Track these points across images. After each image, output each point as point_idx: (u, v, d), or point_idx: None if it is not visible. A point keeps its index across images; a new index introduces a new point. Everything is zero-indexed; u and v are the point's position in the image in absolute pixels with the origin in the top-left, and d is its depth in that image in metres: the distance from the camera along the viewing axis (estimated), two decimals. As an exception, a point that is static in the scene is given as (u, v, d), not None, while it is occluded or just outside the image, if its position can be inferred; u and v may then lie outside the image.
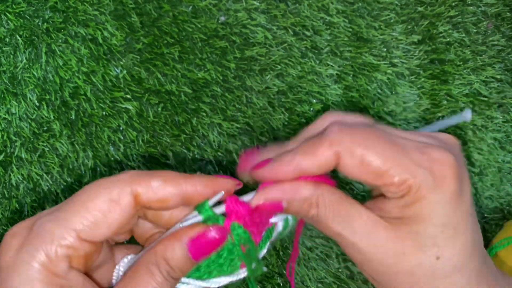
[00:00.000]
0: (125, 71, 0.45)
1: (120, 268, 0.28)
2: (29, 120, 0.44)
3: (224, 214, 0.27)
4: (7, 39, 0.44)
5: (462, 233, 0.26)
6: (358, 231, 0.26)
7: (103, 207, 0.25)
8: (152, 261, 0.25)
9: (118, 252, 0.30)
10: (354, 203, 0.27)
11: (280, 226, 0.30)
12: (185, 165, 0.45)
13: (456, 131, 0.47)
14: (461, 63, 0.48)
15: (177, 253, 0.25)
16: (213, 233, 0.26)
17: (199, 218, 0.27)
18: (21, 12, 0.45)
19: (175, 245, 0.26)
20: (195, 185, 0.26)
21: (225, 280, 0.28)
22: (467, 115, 0.33)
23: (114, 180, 0.26)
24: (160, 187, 0.26)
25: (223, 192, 0.27)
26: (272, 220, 0.29)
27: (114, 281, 0.28)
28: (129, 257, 0.28)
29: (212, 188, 0.27)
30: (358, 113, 0.29)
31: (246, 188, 0.28)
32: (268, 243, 0.29)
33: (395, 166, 0.24)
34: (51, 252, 0.24)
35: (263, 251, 0.29)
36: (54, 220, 0.24)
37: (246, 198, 0.27)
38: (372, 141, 0.25)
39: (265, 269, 0.30)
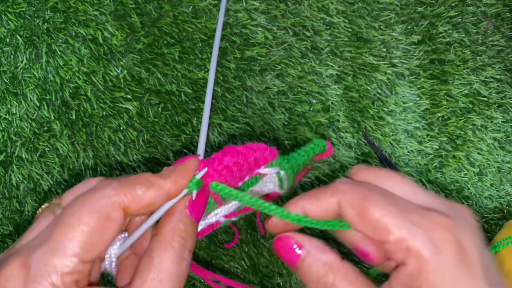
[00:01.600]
0: (125, 71, 0.45)
1: (112, 254, 0.28)
2: (30, 120, 0.44)
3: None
4: (8, 39, 0.44)
5: None
6: None
7: (97, 227, 0.25)
8: (166, 242, 0.26)
9: None
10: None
11: (272, 178, 0.34)
12: (185, 165, 0.45)
13: (456, 131, 0.47)
14: (461, 63, 0.48)
15: (185, 224, 0.27)
16: (203, 193, 0.29)
17: (194, 192, 0.29)
18: (22, 12, 0.45)
19: (181, 218, 0.27)
20: (175, 181, 0.27)
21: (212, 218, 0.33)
22: None
23: (100, 197, 0.26)
24: (145, 194, 0.26)
25: (206, 168, 0.29)
26: (260, 170, 0.33)
27: (107, 266, 0.28)
28: (118, 243, 0.28)
29: (188, 176, 0.28)
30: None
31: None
32: (251, 188, 0.34)
33: (394, 223, 0.24)
34: (58, 283, 0.23)
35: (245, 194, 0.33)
36: (50, 251, 0.24)
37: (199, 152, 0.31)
38: (374, 196, 0.26)
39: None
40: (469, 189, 0.47)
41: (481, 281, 0.24)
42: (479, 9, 0.49)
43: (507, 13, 0.49)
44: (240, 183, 0.33)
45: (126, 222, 0.27)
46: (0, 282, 0.24)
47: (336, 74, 0.47)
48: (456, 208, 0.27)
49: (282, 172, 0.34)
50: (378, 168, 0.30)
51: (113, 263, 0.28)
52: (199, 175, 0.29)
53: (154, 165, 0.44)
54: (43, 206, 0.28)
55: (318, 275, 0.26)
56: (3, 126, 0.44)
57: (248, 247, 0.44)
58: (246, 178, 0.33)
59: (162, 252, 0.26)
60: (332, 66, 0.47)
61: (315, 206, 0.27)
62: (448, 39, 0.48)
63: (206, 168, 0.30)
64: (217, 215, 0.34)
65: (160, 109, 0.45)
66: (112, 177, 0.29)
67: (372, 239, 0.26)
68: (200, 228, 0.34)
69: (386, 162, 0.46)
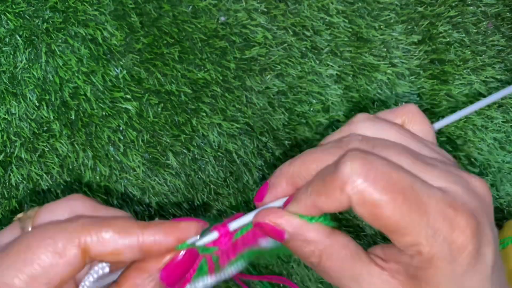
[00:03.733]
0: (125, 71, 0.45)
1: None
2: (29, 120, 0.44)
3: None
4: (7, 39, 0.44)
5: None
6: None
7: (44, 259, 0.23)
8: None
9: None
10: (365, 261, 0.24)
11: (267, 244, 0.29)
12: (185, 165, 0.45)
13: (456, 131, 0.47)
14: (461, 63, 0.48)
15: (148, 286, 0.24)
16: (184, 258, 0.25)
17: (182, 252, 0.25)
18: (21, 12, 0.45)
19: (144, 278, 0.24)
20: (153, 235, 0.24)
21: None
22: None
23: (62, 228, 0.23)
24: (112, 239, 0.23)
25: (198, 237, 0.25)
26: (263, 243, 0.28)
27: None
28: (95, 275, 0.26)
29: (175, 236, 0.24)
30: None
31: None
32: (244, 262, 0.29)
33: (410, 227, 0.21)
34: None
35: (236, 267, 0.29)
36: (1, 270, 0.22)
37: (241, 221, 0.26)
38: (390, 188, 0.21)
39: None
40: (469, 189, 0.47)
41: (484, 282, 0.22)
42: (479, 9, 0.49)
43: (507, 13, 0.49)
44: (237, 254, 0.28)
45: (84, 264, 0.24)
46: None
47: (336, 74, 0.47)
48: (472, 188, 0.23)
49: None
50: (388, 124, 0.25)
51: None
52: (190, 241, 0.25)
53: (154, 165, 0.44)
54: (19, 215, 0.26)
55: (304, 255, 0.24)
56: (2, 126, 0.44)
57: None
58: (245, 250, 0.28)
59: None
60: (332, 66, 0.47)
61: (327, 204, 0.23)
62: (448, 39, 0.48)
63: (198, 237, 0.25)
64: (207, 283, 0.29)
65: (159, 109, 0.45)
66: (94, 198, 0.27)
67: None
68: None
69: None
